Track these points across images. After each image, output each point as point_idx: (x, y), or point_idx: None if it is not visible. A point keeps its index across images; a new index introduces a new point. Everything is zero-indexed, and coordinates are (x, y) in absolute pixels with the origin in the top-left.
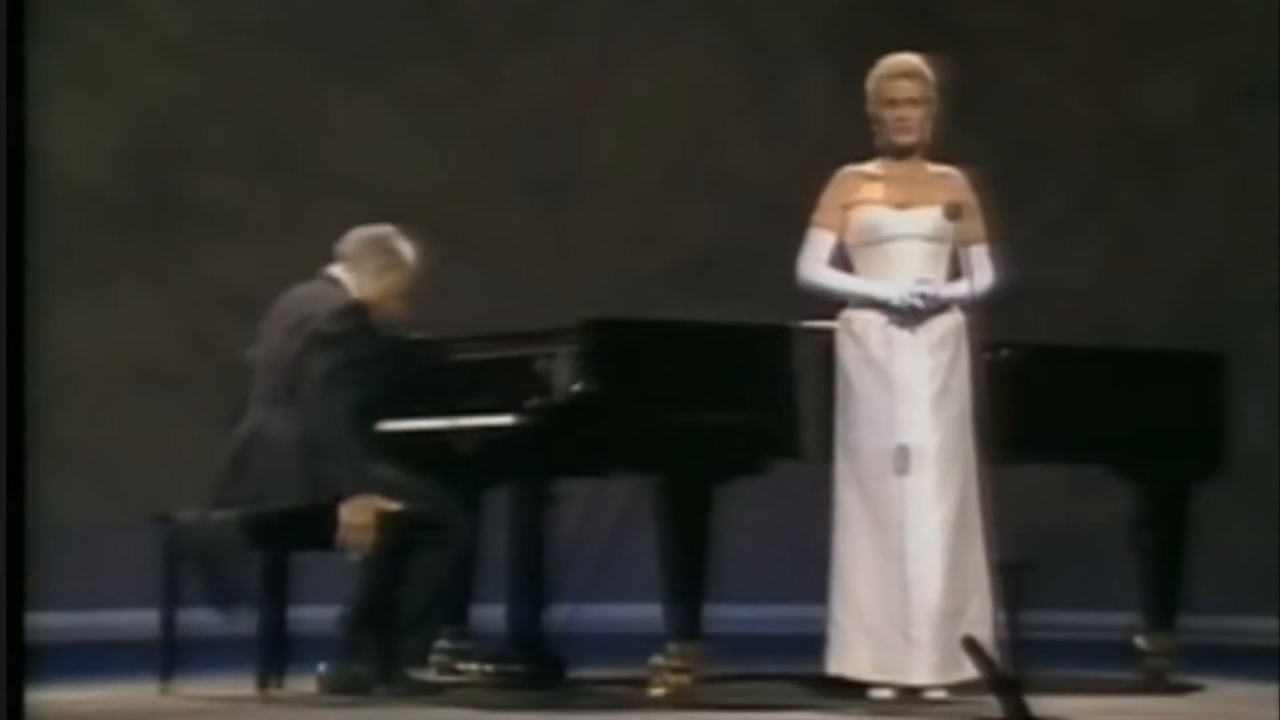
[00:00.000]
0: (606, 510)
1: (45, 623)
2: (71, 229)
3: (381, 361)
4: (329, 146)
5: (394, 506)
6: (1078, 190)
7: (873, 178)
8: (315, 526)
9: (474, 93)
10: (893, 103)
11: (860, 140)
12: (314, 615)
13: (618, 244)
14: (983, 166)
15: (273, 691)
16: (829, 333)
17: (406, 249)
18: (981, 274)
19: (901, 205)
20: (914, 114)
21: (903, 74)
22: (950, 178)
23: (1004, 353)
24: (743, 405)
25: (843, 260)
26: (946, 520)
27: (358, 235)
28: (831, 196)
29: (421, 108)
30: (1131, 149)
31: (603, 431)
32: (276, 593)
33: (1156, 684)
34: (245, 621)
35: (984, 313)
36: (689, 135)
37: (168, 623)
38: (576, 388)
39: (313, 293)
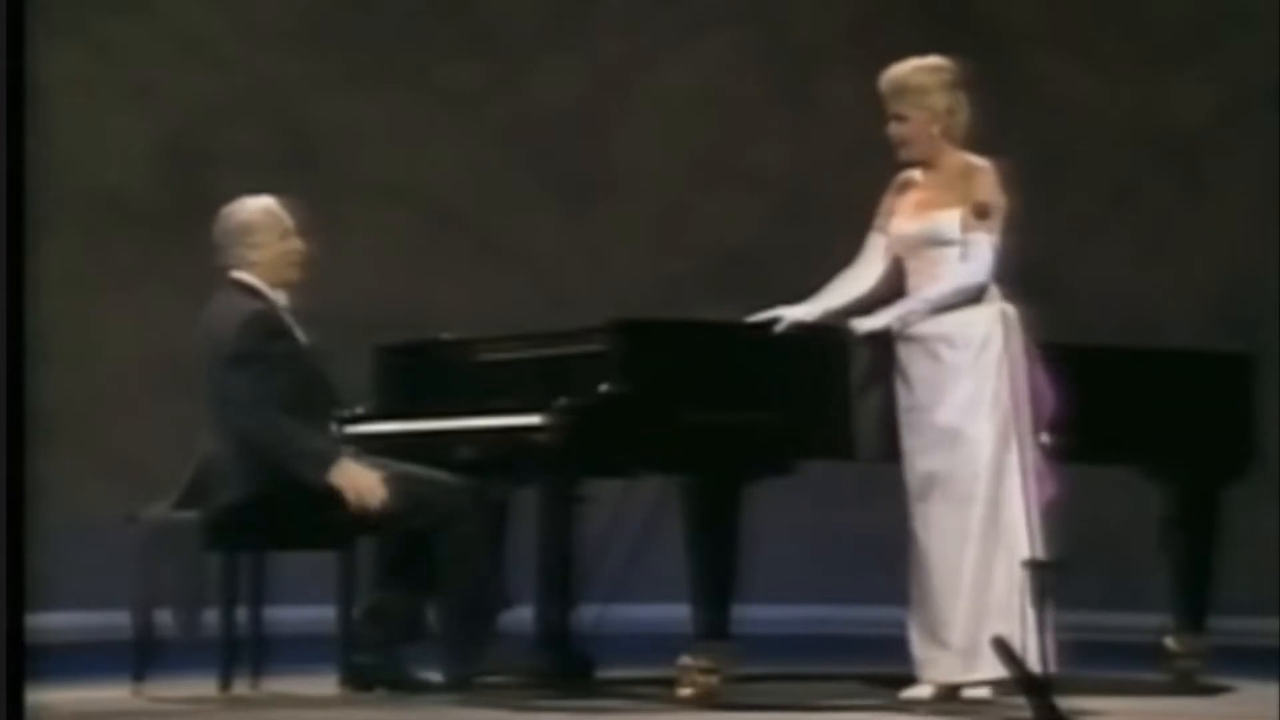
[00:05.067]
0: (634, 510)
1: (45, 623)
2: (100, 230)
3: (307, 357)
4: (357, 147)
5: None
6: (1107, 189)
7: (913, 185)
8: (294, 525)
9: (501, 93)
10: (888, 121)
11: (888, 140)
12: (290, 616)
13: (645, 244)
14: (1012, 165)
15: (245, 692)
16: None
17: (268, 219)
18: (965, 266)
19: (916, 213)
20: (900, 130)
21: (887, 93)
22: (976, 176)
23: None
24: (771, 405)
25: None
26: (970, 522)
27: (224, 228)
28: (885, 201)
29: (449, 108)
30: (1161, 148)
31: (631, 432)
32: (236, 594)
33: (1186, 685)
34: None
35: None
36: (717, 135)
37: (142, 623)
38: (604, 388)
39: (217, 311)
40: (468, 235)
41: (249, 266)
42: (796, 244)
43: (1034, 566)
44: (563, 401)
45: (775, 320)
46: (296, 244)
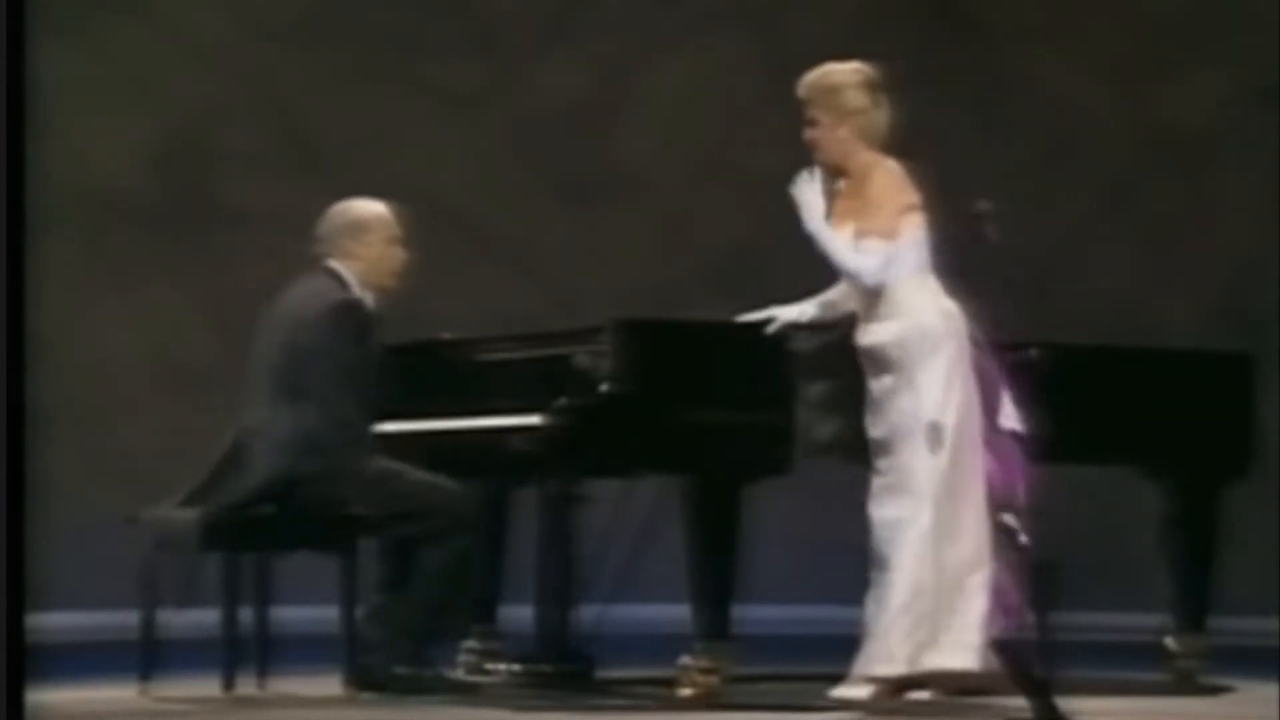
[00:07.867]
0: (634, 510)
1: (45, 623)
2: (102, 230)
3: (377, 359)
4: (358, 147)
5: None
6: (1107, 190)
7: (838, 194)
8: (297, 526)
9: (502, 93)
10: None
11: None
12: (297, 616)
13: (646, 243)
14: (1011, 165)
15: (251, 692)
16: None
17: (379, 223)
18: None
19: (839, 224)
20: (810, 134)
21: (801, 98)
22: (872, 176)
23: (1033, 353)
24: (771, 405)
25: None
26: (917, 523)
27: (335, 222)
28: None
29: (449, 108)
30: (1161, 148)
31: (631, 431)
32: (240, 594)
33: (1186, 685)
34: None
35: (1011, 311)
36: (718, 134)
37: (146, 622)
38: (605, 388)
39: (308, 290)
40: (468, 235)
41: (350, 261)
42: (798, 244)
43: (1033, 567)
44: (563, 401)
45: (771, 320)
46: (400, 252)
